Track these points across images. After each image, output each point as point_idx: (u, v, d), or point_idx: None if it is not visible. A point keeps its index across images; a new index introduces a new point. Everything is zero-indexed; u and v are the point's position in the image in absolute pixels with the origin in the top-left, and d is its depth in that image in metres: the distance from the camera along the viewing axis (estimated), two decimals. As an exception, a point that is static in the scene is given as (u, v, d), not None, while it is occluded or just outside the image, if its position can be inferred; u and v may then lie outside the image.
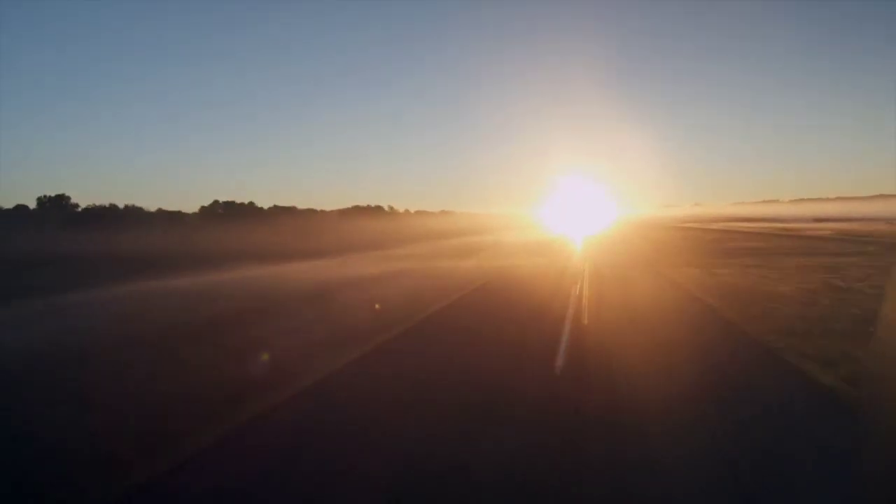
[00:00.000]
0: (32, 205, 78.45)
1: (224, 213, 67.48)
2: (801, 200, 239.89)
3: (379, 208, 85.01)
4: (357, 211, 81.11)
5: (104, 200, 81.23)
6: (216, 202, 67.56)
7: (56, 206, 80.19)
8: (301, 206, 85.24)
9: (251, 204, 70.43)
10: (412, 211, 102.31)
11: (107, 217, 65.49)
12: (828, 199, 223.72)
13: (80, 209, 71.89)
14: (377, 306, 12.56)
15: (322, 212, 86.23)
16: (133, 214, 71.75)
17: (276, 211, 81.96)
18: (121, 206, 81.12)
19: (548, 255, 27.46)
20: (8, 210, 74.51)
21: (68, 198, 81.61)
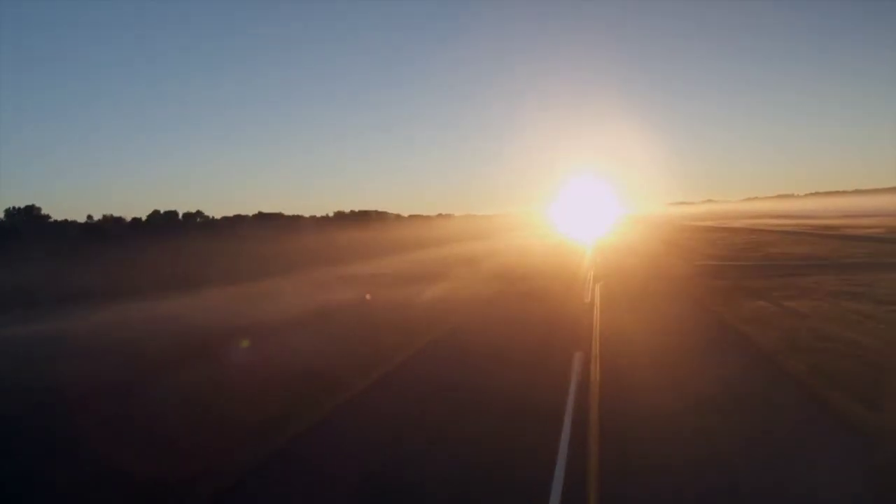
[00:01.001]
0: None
1: (182, 224, 60.39)
2: (818, 194, 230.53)
3: (365, 213, 78.20)
4: (340, 217, 74.36)
5: (81, 213, 75.69)
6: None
7: (27, 218, 75.33)
8: (288, 212, 78.92)
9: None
10: (405, 215, 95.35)
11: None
12: (845, 193, 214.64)
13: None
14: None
15: (312, 218, 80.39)
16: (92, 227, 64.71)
17: (260, 218, 75.98)
18: (97, 216, 75.72)
19: (542, 279, 20.66)
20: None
21: (39, 209, 77.02)
